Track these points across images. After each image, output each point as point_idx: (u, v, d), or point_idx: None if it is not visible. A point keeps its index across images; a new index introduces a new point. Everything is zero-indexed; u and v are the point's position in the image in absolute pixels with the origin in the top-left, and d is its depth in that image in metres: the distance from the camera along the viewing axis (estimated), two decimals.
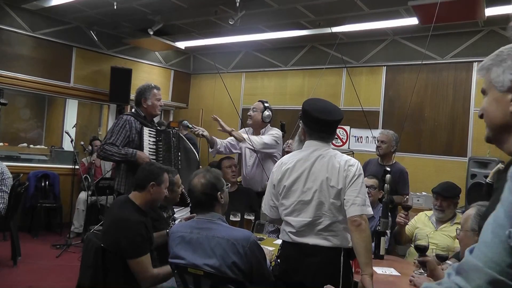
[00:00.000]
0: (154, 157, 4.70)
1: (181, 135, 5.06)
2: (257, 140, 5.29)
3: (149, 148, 4.71)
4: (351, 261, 3.15)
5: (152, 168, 3.64)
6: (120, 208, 3.51)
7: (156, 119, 5.45)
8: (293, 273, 3.06)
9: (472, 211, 2.48)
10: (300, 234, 3.07)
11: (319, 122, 3.13)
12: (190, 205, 5.16)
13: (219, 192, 3.06)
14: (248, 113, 5.61)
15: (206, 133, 5.31)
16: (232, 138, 5.62)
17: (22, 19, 8.23)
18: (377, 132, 6.79)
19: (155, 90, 4.94)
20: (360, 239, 2.93)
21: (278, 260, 3.21)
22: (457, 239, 2.74)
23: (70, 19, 8.69)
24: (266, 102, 5.65)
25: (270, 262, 3.28)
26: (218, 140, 5.53)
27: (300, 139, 3.36)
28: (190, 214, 5.07)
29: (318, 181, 3.07)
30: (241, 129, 5.79)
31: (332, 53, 7.65)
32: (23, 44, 8.33)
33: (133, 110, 5.12)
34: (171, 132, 4.89)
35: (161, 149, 4.75)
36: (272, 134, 5.50)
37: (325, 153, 3.13)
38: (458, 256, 3.83)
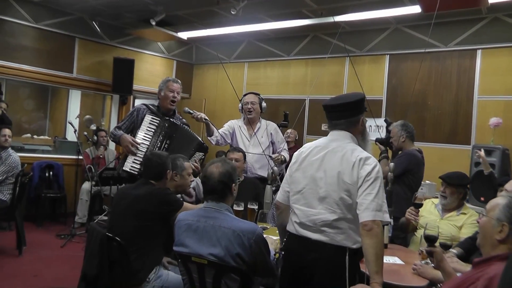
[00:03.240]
0: (148, 143, 4.84)
1: (181, 125, 5.09)
2: (287, 157, 5.70)
3: (145, 133, 4.85)
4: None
5: (163, 159, 3.87)
6: (137, 189, 3.72)
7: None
8: (296, 268, 2.98)
9: (502, 200, 2.38)
10: (304, 226, 2.97)
11: (325, 109, 3.11)
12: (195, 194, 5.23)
13: (233, 184, 3.07)
14: (248, 107, 5.74)
15: (207, 118, 5.41)
16: (225, 129, 5.85)
17: (25, 10, 8.24)
18: (380, 121, 6.78)
19: (170, 82, 5.09)
20: (370, 244, 2.74)
21: (283, 253, 3.16)
22: (477, 222, 2.66)
23: (73, 10, 8.69)
24: (259, 94, 5.93)
25: (275, 253, 3.27)
26: (216, 130, 5.65)
27: None
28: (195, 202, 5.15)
29: (331, 172, 2.94)
30: (244, 119, 5.85)
31: (334, 42, 7.64)
32: (26, 35, 8.35)
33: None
34: (168, 120, 4.98)
35: (155, 136, 4.88)
36: (282, 138, 6.01)
37: (344, 145, 3.00)
38: (462, 245, 3.83)
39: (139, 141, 4.77)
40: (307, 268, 2.92)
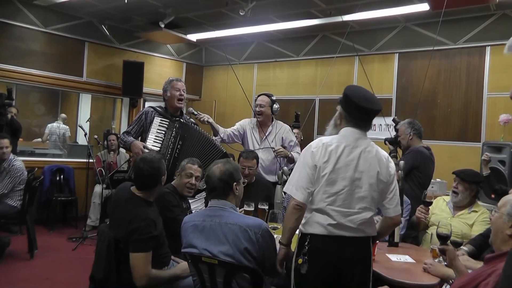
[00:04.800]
0: (159, 145, 4.80)
1: (193, 126, 5.07)
2: (297, 157, 5.48)
3: (156, 136, 4.82)
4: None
5: (155, 166, 3.51)
6: (127, 204, 3.48)
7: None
8: (328, 267, 2.93)
9: None
10: (341, 226, 2.94)
11: (360, 110, 3.02)
12: (205, 195, 5.23)
13: (235, 183, 3.07)
14: (257, 109, 5.63)
15: (211, 120, 5.38)
16: (235, 128, 5.76)
17: (34, 15, 8.29)
18: (389, 120, 6.75)
19: (174, 81, 5.03)
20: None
21: (306, 258, 2.94)
22: (490, 219, 2.68)
23: (82, 14, 8.73)
24: (272, 95, 5.73)
25: (298, 260, 3.19)
26: (221, 129, 5.59)
27: (336, 123, 3.25)
28: (205, 203, 5.14)
29: (369, 173, 2.99)
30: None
31: (343, 41, 7.62)
32: (35, 40, 8.40)
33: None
34: (178, 120, 4.96)
35: (166, 138, 4.85)
36: (294, 141, 5.77)
37: (371, 144, 3.07)
38: (474, 242, 3.82)
39: (150, 145, 4.74)
40: (343, 264, 2.94)
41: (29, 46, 8.30)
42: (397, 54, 8.13)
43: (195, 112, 5.30)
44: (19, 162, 6.40)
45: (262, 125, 5.67)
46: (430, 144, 5.69)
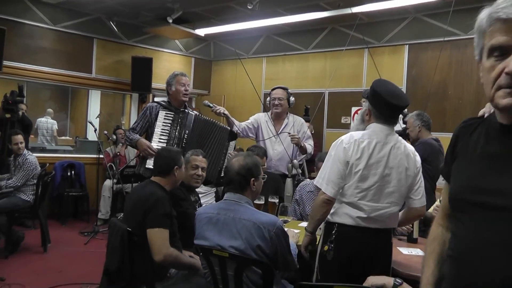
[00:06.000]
0: (166, 138, 4.86)
1: (201, 117, 5.08)
2: (310, 149, 5.63)
3: (162, 129, 4.87)
4: None
5: (172, 154, 3.71)
6: (143, 188, 3.62)
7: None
8: (351, 256, 3.04)
9: None
10: (369, 220, 3.05)
11: (390, 106, 3.05)
12: (215, 189, 5.22)
13: (253, 178, 3.05)
14: (275, 103, 5.65)
15: (227, 112, 5.39)
16: (249, 122, 5.78)
17: (43, 13, 8.32)
18: None
19: (179, 76, 5.06)
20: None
21: (332, 245, 3.09)
22: None
23: (90, 10, 8.75)
24: (287, 88, 5.79)
25: (324, 247, 3.17)
26: (236, 122, 5.59)
27: (363, 119, 3.31)
28: (215, 198, 5.13)
29: (398, 169, 3.08)
30: (272, 114, 5.76)
31: (352, 33, 7.58)
32: (45, 37, 8.45)
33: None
34: (182, 111, 5.03)
35: (173, 130, 4.90)
36: (306, 133, 5.75)
37: (399, 140, 3.14)
38: None
39: (156, 140, 4.81)
40: (367, 254, 3.05)
41: (39, 43, 8.35)
42: (407, 45, 8.06)
43: (211, 105, 5.32)
44: (32, 156, 6.51)
45: (278, 118, 5.68)
46: (441, 137, 5.65)
